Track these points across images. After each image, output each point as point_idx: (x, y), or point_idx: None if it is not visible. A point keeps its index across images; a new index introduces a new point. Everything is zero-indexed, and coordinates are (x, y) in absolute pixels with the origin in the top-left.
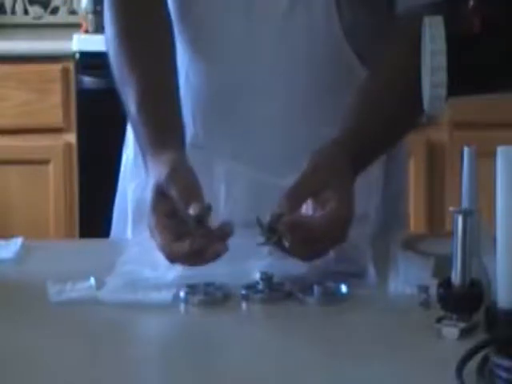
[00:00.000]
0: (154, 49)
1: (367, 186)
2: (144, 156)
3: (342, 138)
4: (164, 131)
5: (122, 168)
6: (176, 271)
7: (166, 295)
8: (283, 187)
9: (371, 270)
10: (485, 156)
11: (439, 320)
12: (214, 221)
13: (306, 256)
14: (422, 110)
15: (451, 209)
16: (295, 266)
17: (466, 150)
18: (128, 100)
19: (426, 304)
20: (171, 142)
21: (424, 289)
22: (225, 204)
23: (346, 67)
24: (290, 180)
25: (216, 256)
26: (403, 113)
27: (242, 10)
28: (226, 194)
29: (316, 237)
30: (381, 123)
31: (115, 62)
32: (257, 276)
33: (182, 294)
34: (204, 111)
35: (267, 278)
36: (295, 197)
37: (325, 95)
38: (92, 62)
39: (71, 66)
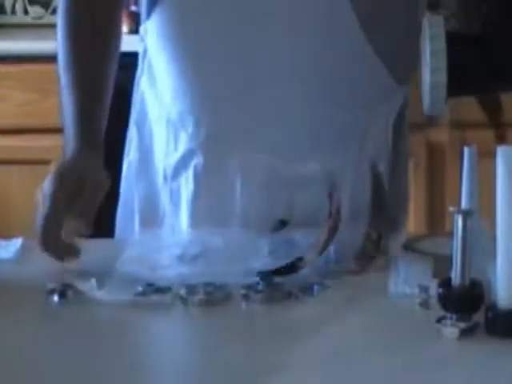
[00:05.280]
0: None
1: (361, 184)
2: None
3: None
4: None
5: (124, 173)
6: (176, 271)
7: (166, 295)
8: (300, 175)
9: None
10: (485, 156)
11: (439, 320)
12: (229, 217)
13: None
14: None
15: (451, 209)
16: None
17: (466, 150)
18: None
19: (425, 304)
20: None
21: (424, 289)
22: (240, 199)
23: (362, 51)
24: (311, 166)
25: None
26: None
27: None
28: (241, 189)
29: None
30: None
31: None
32: (257, 276)
33: (182, 293)
34: (217, 101)
35: (267, 277)
36: None
37: (341, 78)
38: None
39: None
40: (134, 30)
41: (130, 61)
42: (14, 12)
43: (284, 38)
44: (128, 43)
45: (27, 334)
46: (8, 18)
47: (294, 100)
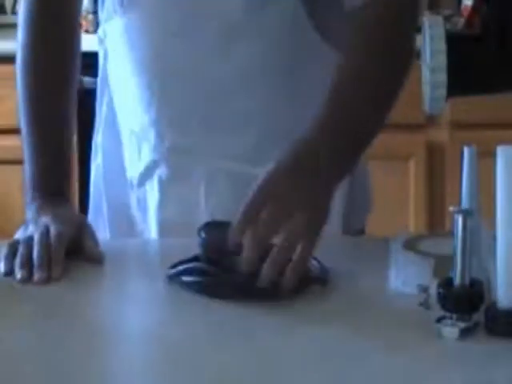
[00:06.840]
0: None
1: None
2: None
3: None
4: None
5: (93, 178)
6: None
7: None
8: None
9: None
10: (485, 156)
11: (439, 320)
12: (196, 222)
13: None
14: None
15: (451, 209)
16: None
17: (466, 149)
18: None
19: (425, 304)
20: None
21: (424, 289)
22: (206, 203)
23: (315, 50)
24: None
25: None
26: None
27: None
28: (206, 196)
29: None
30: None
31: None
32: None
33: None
34: (181, 113)
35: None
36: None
37: (298, 81)
38: (92, 61)
39: None
40: None
41: None
42: (14, 12)
43: (250, 48)
44: None
45: (27, 334)
46: (8, 18)
47: (257, 109)
